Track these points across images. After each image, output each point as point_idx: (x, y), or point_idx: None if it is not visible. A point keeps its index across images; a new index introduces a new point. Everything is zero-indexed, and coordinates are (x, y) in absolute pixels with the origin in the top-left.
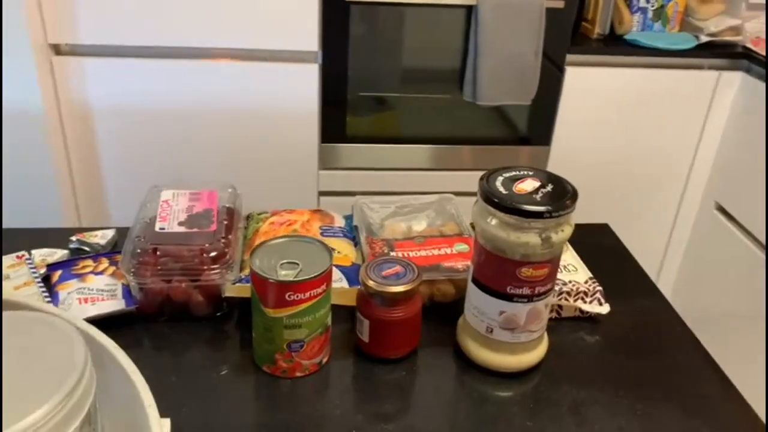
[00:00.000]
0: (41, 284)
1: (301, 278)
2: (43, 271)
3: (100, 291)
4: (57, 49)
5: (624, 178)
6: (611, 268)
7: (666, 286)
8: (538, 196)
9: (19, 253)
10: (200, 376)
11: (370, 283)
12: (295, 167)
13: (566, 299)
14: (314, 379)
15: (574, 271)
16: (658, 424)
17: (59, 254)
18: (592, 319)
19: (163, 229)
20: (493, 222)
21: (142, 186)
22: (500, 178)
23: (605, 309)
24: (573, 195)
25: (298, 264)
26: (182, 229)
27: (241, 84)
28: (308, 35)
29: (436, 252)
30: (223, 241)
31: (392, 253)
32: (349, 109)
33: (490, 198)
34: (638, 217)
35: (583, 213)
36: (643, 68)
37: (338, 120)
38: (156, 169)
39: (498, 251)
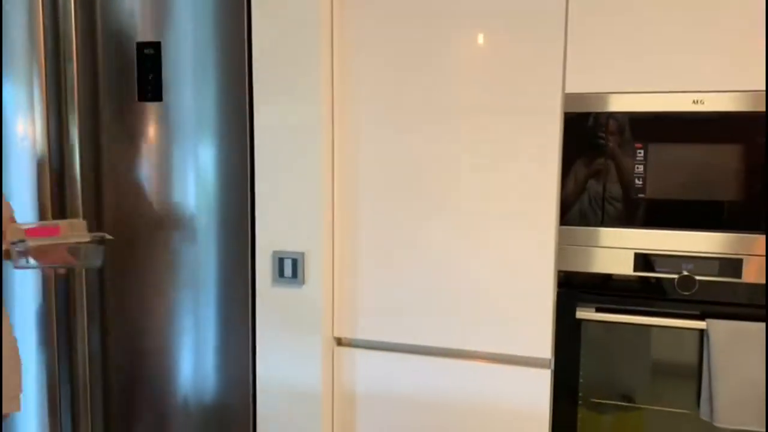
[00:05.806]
0: None
1: None
2: None
3: None
4: (339, 341)
5: None
6: None
7: None
8: None
9: None
10: None
11: None
12: None
13: None
14: None
15: None
16: None
17: None
18: None
19: None
20: None
21: None
22: None
23: None
24: None
25: None
26: None
27: (478, 382)
28: (542, 344)
29: None
30: None
31: None
32: (580, 414)
33: None
34: None
35: None
36: None
37: (569, 424)
38: None
39: None
